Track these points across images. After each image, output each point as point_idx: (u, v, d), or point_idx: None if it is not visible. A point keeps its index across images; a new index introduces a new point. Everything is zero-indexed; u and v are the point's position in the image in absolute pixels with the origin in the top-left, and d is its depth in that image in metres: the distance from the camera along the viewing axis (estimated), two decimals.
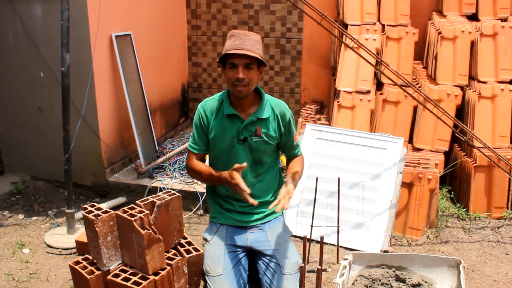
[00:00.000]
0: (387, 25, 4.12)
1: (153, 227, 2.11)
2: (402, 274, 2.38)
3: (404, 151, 3.20)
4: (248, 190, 2.27)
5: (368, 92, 3.83)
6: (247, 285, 2.49)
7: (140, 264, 2.10)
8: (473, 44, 3.93)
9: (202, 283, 2.53)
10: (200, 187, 3.68)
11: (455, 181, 3.82)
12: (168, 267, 2.15)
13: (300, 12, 4.75)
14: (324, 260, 2.91)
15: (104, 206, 3.32)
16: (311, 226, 2.91)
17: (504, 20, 4.08)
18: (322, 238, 2.40)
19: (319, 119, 4.25)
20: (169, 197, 2.30)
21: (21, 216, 3.56)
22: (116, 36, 3.80)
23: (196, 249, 2.41)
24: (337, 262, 2.93)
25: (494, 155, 3.25)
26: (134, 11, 4.10)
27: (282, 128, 2.51)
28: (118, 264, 2.19)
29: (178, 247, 2.40)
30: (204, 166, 2.54)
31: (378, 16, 4.19)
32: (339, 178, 2.86)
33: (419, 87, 3.93)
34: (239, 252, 2.52)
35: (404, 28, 4.06)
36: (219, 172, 2.43)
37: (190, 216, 3.60)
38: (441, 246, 3.17)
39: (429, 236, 3.26)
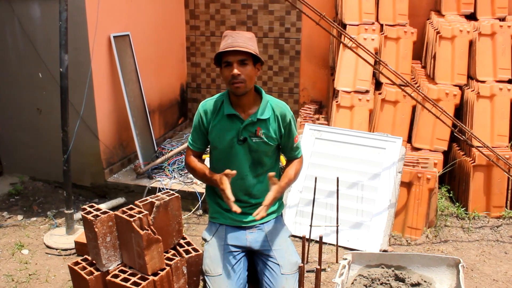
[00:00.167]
0: (386, 24, 4.12)
1: (152, 227, 2.11)
2: (401, 273, 2.38)
3: (403, 151, 3.20)
4: (232, 198, 2.28)
5: (367, 92, 3.84)
6: (247, 285, 2.49)
7: (139, 265, 2.10)
8: (471, 44, 3.93)
9: (201, 283, 2.53)
10: (199, 188, 3.68)
11: (454, 181, 3.82)
12: (168, 268, 2.15)
13: (298, 12, 4.75)
14: (323, 260, 2.92)
15: (103, 206, 3.32)
16: (310, 226, 2.91)
17: (502, 19, 4.08)
18: (321, 238, 2.40)
19: (318, 119, 4.25)
20: (168, 198, 2.30)
21: (20, 217, 3.55)
22: (114, 37, 3.80)
23: (195, 250, 2.41)
24: (336, 261, 2.93)
25: (493, 154, 3.25)
26: (133, 12, 4.10)
27: (282, 130, 2.50)
28: (117, 265, 2.19)
29: (177, 247, 2.40)
30: (199, 165, 2.57)
31: (377, 16, 4.19)
32: (338, 178, 2.87)
33: (418, 86, 3.93)
34: (238, 252, 2.52)
35: (402, 28, 4.06)
36: (212, 173, 2.48)
37: (189, 217, 3.59)
38: (440, 246, 3.17)
39: (428, 235, 3.27)
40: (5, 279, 2.77)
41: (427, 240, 3.22)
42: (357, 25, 4.10)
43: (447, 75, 3.92)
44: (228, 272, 2.41)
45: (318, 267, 2.04)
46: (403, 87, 3.30)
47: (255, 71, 2.39)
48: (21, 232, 3.35)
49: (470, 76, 3.94)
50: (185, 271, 2.28)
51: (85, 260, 2.26)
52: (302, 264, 2.01)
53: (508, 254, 3.08)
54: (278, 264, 2.41)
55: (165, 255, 2.23)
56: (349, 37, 3.13)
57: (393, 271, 2.41)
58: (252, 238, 2.54)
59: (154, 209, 2.22)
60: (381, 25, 4.14)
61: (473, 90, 3.78)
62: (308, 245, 3.00)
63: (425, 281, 2.35)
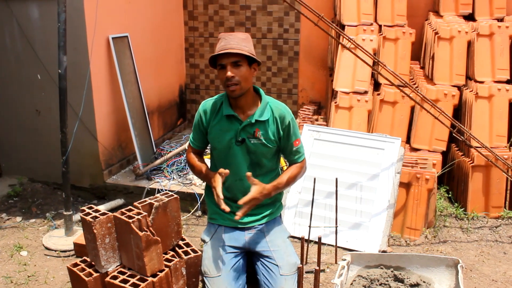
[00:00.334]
0: (384, 25, 4.13)
1: (151, 228, 2.11)
2: (400, 274, 2.38)
3: (402, 151, 3.20)
4: (221, 196, 2.29)
5: (366, 92, 3.84)
6: (246, 286, 2.49)
7: (138, 266, 2.10)
8: (469, 44, 3.94)
9: (200, 284, 2.52)
10: (198, 189, 3.68)
11: (452, 181, 3.83)
12: (167, 269, 2.15)
13: (297, 13, 4.76)
14: (322, 260, 2.92)
15: (102, 208, 3.31)
16: (309, 226, 2.91)
17: (501, 20, 4.09)
18: (320, 238, 2.40)
19: (316, 120, 4.26)
20: (167, 199, 2.30)
21: (19, 219, 3.55)
22: (113, 38, 3.80)
23: (194, 251, 2.41)
24: (336, 262, 2.93)
25: (491, 155, 3.25)
26: (131, 13, 4.10)
27: (281, 132, 2.48)
28: (116, 266, 2.18)
29: (176, 248, 2.39)
30: (197, 162, 2.60)
31: (375, 16, 4.20)
32: (337, 179, 2.87)
33: (416, 87, 3.94)
34: (237, 253, 2.52)
35: (401, 29, 4.07)
36: (208, 171, 2.52)
37: (188, 218, 3.59)
38: (439, 246, 3.17)
39: (427, 236, 3.27)
40: (3, 281, 2.77)
41: (426, 241, 3.22)
42: (356, 26, 4.11)
43: (445, 76, 3.92)
44: (227, 273, 2.41)
45: (317, 267, 2.04)
46: (401, 88, 3.30)
47: (250, 72, 2.37)
48: (20, 233, 3.34)
49: (469, 77, 3.94)
50: (184, 272, 2.28)
51: (84, 261, 2.25)
52: (301, 265, 2.01)
53: (507, 254, 3.09)
54: (277, 265, 2.41)
55: (164, 256, 2.23)
56: (347, 38, 3.13)
57: (392, 271, 2.41)
58: (251, 239, 2.54)
59: (153, 210, 2.22)
60: (380, 26, 4.15)
61: (472, 91, 3.78)
62: (307, 246, 3.00)
63: (424, 282, 2.35)
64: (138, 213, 2.13)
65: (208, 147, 2.69)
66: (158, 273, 2.11)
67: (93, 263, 2.21)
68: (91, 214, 2.14)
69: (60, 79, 3.00)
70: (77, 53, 3.52)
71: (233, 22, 5.02)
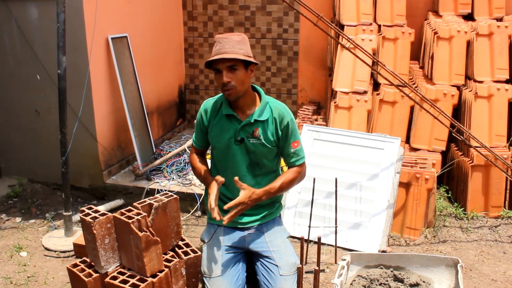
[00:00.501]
0: (383, 25, 4.13)
1: (150, 229, 2.11)
2: (400, 274, 2.39)
3: (401, 151, 3.21)
4: (213, 205, 2.29)
5: (365, 92, 3.84)
6: (245, 286, 2.49)
7: (138, 266, 2.10)
8: (469, 44, 3.94)
9: (200, 284, 2.52)
10: (197, 189, 3.68)
11: (452, 181, 3.83)
12: (166, 269, 2.15)
13: (296, 13, 4.75)
14: (322, 260, 2.92)
15: (102, 208, 3.31)
16: (309, 226, 2.91)
17: (500, 20, 4.09)
18: (319, 238, 2.40)
19: (316, 120, 4.26)
20: (166, 199, 2.29)
21: (18, 219, 3.55)
22: (112, 38, 3.80)
23: (194, 251, 2.40)
24: (335, 262, 2.93)
25: (491, 155, 3.26)
26: (131, 13, 4.10)
27: (280, 132, 2.47)
28: (116, 267, 2.18)
29: (176, 249, 2.39)
30: (198, 164, 2.62)
31: (374, 16, 4.20)
32: (336, 179, 2.87)
33: (416, 87, 3.94)
34: (237, 253, 2.52)
35: (400, 29, 4.07)
36: (207, 176, 2.54)
37: (188, 218, 3.59)
38: (439, 246, 3.17)
39: (427, 235, 3.27)
40: (3, 282, 2.77)
41: (425, 241, 3.22)
42: (355, 26, 4.11)
43: (445, 76, 3.92)
44: (226, 273, 2.41)
45: (317, 268, 2.04)
46: (401, 88, 3.30)
47: (247, 75, 2.36)
48: (19, 234, 3.34)
49: (468, 77, 3.94)
50: (184, 273, 2.28)
51: (83, 262, 2.25)
52: (300, 265, 2.01)
53: (507, 254, 3.09)
54: (277, 265, 2.41)
55: (163, 257, 2.23)
56: (347, 38, 3.13)
57: (392, 271, 2.41)
58: (250, 239, 2.54)
59: (153, 210, 2.22)
60: (379, 26, 4.15)
61: (471, 90, 3.78)
62: (307, 246, 3.00)
63: (423, 282, 2.35)
64: (138, 214, 2.12)
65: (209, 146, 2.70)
66: (157, 273, 2.11)
67: (92, 263, 2.21)
68: (90, 214, 2.14)
69: (60, 80, 3.00)
70: (76, 54, 3.52)
71: (232, 22, 5.02)
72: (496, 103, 3.68)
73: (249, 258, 2.59)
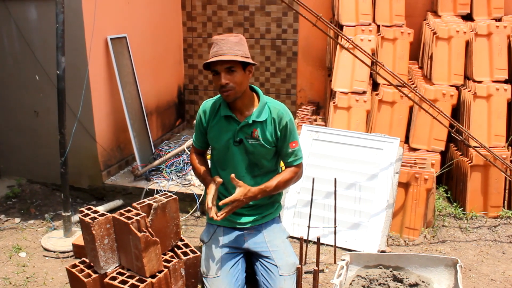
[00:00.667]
0: (382, 25, 4.13)
1: (150, 229, 2.11)
2: (399, 274, 2.39)
3: (401, 151, 3.21)
4: (210, 205, 2.32)
5: (364, 92, 3.84)
6: (245, 287, 2.49)
7: (137, 267, 2.10)
8: (468, 44, 3.94)
9: (199, 285, 2.52)
10: (197, 189, 3.68)
11: (451, 181, 3.83)
12: (165, 270, 2.15)
13: (295, 14, 4.75)
14: (321, 261, 2.92)
15: (101, 209, 3.32)
16: (308, 227, 2.91)
17: (499, 20, 4.10)
18: (318, 239, 2.40)
19: (315, 120, 4.26)
20: (165, 200, 2.29)
21: (17, 220, 3.55)
22: (111, 39, 3.80)
23: (193, 251, 2.40)
24: (335, 262, 2.93)
25: (490, 154, 3.26)
26: (130, 14, 4.09)
27: (279, 133, 2.46)
28: (115, 267, 2.18)
29: (175, 249, 2.39)
30: (198, 164, 2.63)
31: (373, 16, 4.20)
32: (335, 179, 2.87)
33: (415, 87, 3.94)
34: (236, 254, 2.52)
35: (399, 29, 4.07)
36: (206, 176, 2.55)
37: (187, 218, 3.59)
38: (438, 246, 3.17)
39: (426, 235, 3.27)
40: (2, 282, 2.77)
41: (425, 241, 3.23)
42: (354, 26, 4.11)
43: (444, 76, 3.93)
44: (226, 273, 2.41)
45: (316, 268, 2.04)
46: (400, 88, 3.31)
47: (245, 76, 2.36)
48: (18, 235, 3.34)
49: (467, 77, 3.95)
50: (183, 273, 2.28)
51: (83, 262, 2.25)
52: (300, 265, 2.01)
53: (506, 253, 3.09)
54: (276, 265, 2.41)
55: (163, 257, 2.23)
56: (346, 38, 3.14)
57: (391, 271, 2.41)
58: (250, 240, 2.54)
59: (152, 211, 2.22)
60: (378, 26, 4.15)
61: (470, 91, 3.79)
62: (306, 246, 3.00)
63: (423, 282, 2.35)
64: (137, 214, 2.12)
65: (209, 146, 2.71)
66: (157, 274, 2.11)
67: (92, 264, 2.20)
68: (89, 215, 2.14)
69: (59, 80, 3.00)
70: (75, 54, 3.52)
71: (231, 22, 5.02)
72: (495, 103, 3.69)
73: (248, 258, 2.59)
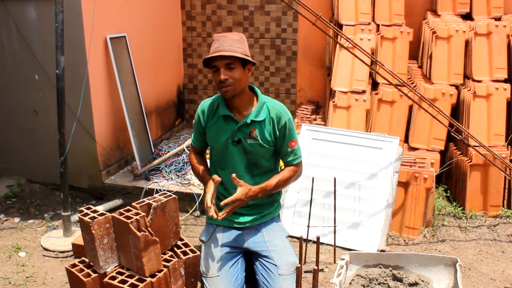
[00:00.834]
0: (382, 25, 4.13)
1: (149, 229, 2.10)
2: (399, 273, 2.39)
3: (400, 151, 3.21)
4: (209, 204, 2.33)
5: (364, 92, 3.84)
6: (244, 286, 2.49)
7: (137, 266, 2.10)
8: (467, 44, 3.94)
9: (199, 284, 2.52)
10: (196, 189, 3.68)
11: (451, 180, 3.83)
12: (165, 269, 2.15)
13: (295, 13, 4.75)
14: (321, 260, 2.92)
15: (100, 208, 3.30)
16: (308, 226, 2.91)
17: (498, 19, 4.10)
18: (318, 238, 2.40)
19: (314, 119, 4.26)
20: (165, 199, 2.29)
21: (17, 220, 3.54)
22: (111, 38, 3.79)
23: (192, 251, 2.40)
24: (334, 262, 2.93)
25: (489, 154, 3.26)
26: (129, 13, 4.09)
27: (278, 132, 2.47)
28: (115, 267, 2.18)
29: (175, 248, 2.39)
30: (197, 163, 2.64)
31: (373, 16, 4.20)
32: (335, 178, 2.87)
33: (414, 86, 3.94)
34: (235, 253, 2.52)
35: (398, 28, 4.07)
36: (205, 175, 2.56)
37: (186, 218, 3.59)
38: (438, 245, 3.17)
39: (426, 235, 3.27)
40: (2, 282, 2.76)
41: (424, 240, 3.23)
42: (354, 26, 4.11)
43: (443, 75, 3.93)
44: (225, 273, 2.41)
45: (316, 267, 2.04)
46: (399, 87, 3.30)
47: (244, 73, 2.37)
48: (18, 234, 3.34)
49: (467, 76, 3.95)
50: (183, 273, 2.28)
51: (82, 262, 2.25)
52: (299, 265, 2.01)
53: (505, 253, 3.09)
54: (276, 265, 2.41)
55: (162, 257, 2.23)
56: (345, 37, 3.13)
57: (390, 271, 2.41)
58: (249, 239, 2.54)
59: (152, 210, 2.22)
60: (378, 25, 4.15)
61: (470, 90, 3.79)
62: (306, 246, 3.00)
63: (422, 281, 2.35)
64: (137, 214, 2.12)
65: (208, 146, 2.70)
66: (156, 273, 2.11)
67: (91, 263, 2.20)
68: (89, 214, 2.14)
69: (58, 80, 3.00)
70: (74, 54, 3.51)
71: (231, 22, 5.02)
72: (494, 103, 3.69)
73: (248, 257, 2.59)
